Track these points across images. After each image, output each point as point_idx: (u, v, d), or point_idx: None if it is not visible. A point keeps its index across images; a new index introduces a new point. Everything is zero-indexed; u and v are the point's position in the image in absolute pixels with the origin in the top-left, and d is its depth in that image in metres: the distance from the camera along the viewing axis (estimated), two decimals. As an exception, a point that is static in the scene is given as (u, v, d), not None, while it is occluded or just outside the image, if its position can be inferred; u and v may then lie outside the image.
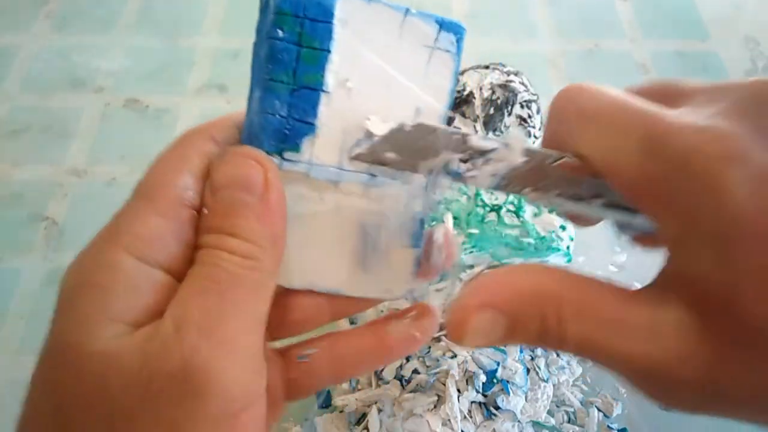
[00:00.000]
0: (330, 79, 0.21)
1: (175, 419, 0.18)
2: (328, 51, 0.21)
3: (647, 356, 0.18)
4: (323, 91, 0.21)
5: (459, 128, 0.23)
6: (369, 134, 0.21)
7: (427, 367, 0.37)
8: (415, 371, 0.37)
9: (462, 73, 0.50)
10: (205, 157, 0.21)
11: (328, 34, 0.21)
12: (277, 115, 0.21)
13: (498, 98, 0.48)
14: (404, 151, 0.21)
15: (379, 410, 0.37)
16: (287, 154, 0.21)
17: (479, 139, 0.21)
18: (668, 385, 0.18)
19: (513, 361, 0.37)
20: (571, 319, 0.19)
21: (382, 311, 0.39)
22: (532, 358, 0.39)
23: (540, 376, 0.38)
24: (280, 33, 0.20)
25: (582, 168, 0.21)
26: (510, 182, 0.22)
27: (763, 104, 0.18)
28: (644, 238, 0.22)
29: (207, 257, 0.20)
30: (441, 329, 0.39)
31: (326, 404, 0.38)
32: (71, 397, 0.18)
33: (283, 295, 0.24)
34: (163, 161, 0.21)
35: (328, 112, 0.21)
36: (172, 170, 0.21)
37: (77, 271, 0.20)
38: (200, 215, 0.21)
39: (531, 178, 0.22)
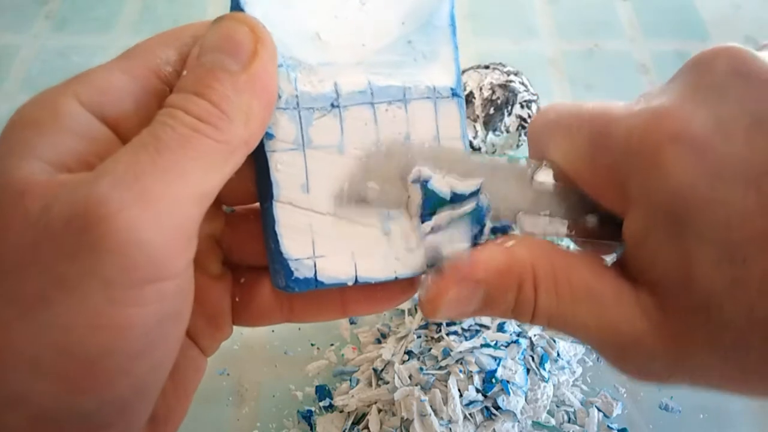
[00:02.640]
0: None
1: (63, 275, 0.15)
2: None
3: (615, 328, 0.18)
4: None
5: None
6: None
7: (427, 366, 0.37)
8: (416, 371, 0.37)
9: (462, 73, 0.50)
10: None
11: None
12: None
13: (498, 98, 0.48)
14: (384, 177, 0.21)
15: (379, 410, 0.37)
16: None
17: (467, 155, 0.21)
18: (635, 358, 0.19)
19: (513, 361, 0.37)
20: (544, 289, 0.19)
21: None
22: (533, 358, 0.39)
23: (540, 376, 0.38)
24: None
25: (561, 176, 0.21)
26: (500, 207, 0.22)
27: (700, 68, 0.18)
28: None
29: (160, 116, 0.17)
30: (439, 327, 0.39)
31: (323, 398, 0.38)
32: None
33: (252, 285, 0.23)
34: (156, 35, 0.20)
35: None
36: (160, 42, 0.20)
37: (21, 109, 0.18)
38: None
39: (520, 201, 0.22)
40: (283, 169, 0.20)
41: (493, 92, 0.48)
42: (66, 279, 0.15)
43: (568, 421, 0.38)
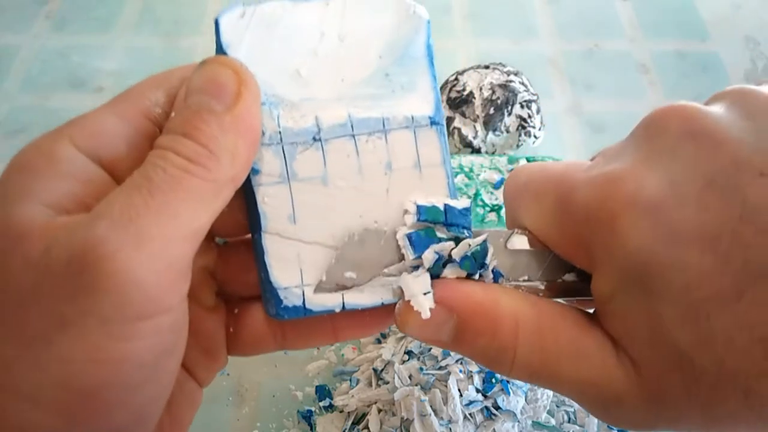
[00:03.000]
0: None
1: (64, 315, 0.16)
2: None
3: (597, 385, 0.19)
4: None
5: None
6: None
7: (427, 366, 0.37)
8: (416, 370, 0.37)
9: (462, 73, 0.50)
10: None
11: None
12: None
13: (498, 98, 0.48)
14: (361, 266, 0.22)
15: (379, 410, 0.37)
16: None
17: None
18: (617, 412, 0.19)
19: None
20: (525, 341, 0.19)
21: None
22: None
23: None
24: None
25: (534, 240, 0.22)
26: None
27: (653, 130, 0.19)
28: None
29: (152, 157, 0.18)
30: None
31: (323, 398, 0.38)
32: None
33: (245, 315, 0.24)
34: (147, 78, 0.21)
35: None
36: (150, 85, 0.20)
37: (17, 156, 0.19)
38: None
39: (500, 270, 0.22)
40: (270, 201, 0.21)
41: (493, 92, 0.48)
42: (65, 318, 0.16)
43: (568, 421, 0.38)
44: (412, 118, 0.22)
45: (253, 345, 0.24)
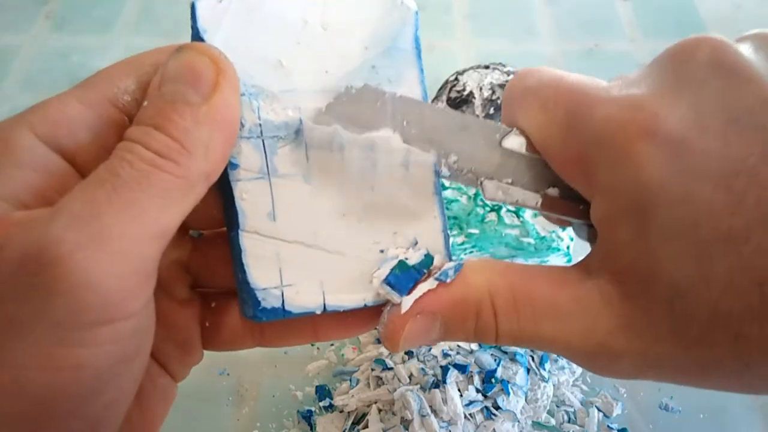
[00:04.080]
0: None
1: (15, 318, 0.15)
2: None
3: (580, 337, 0.18)
4: None
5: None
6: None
7: (427, 366, 0.37)
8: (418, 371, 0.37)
9: (462, 73, 0.50)
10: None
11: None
12: None
13: (498, 98, 0.48)
14: (348, 123, 0.21)
15: (379, 410, 0.37)
16: None
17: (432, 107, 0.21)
18: (606, 359, 0.19)
19: (513, 361, 0.37)
20: (503, 312, 0.19)
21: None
22: (533, 358, 0.39)
23: (540, 376, 0.38)
24: None
25: (528, 145, 0.21)
26: (464, 168, 0.21)
27: (681, 57, 0.18)
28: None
29: (119, 150, 0.17)
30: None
31: (323, 398, 0.38)
32: None
33: (222, 310, 0.23)
34: (116, 63, 0.20)
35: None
36: (119, 71, 0.19)
37: None
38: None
39: (485, 164, 0.21)
40: (248, 198, 0.20)
41: (493, 92, 0.48)
42: (17, 320, 0.15)
43: (568, 421, 0.38)
44: None
45: (229, 341, 0.23)
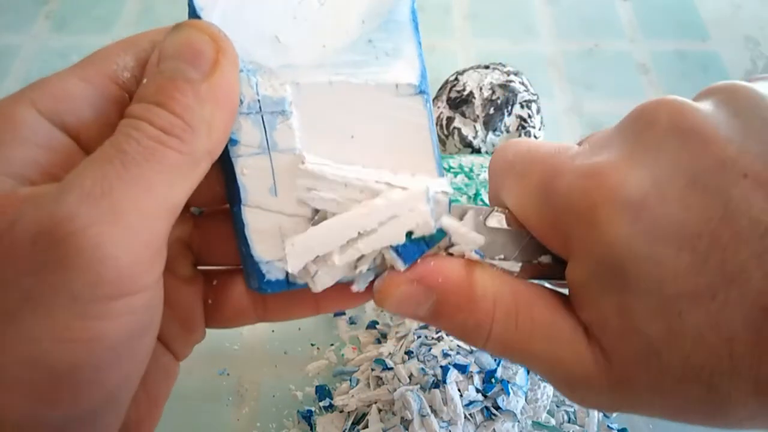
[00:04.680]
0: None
1: (30, 292, 0.15)
2: None
3: (567, 365, 0.19)
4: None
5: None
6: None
7: (427, 366, 0.37)
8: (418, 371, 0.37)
9: (462, 73, 0.50)
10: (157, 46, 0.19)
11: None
12: None
13: (498, 98, 0.48)
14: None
15: (379, 410, 0.37)
16: None
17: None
18: (582, 392, 0.19)
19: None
20: (501, 318, 0.20)
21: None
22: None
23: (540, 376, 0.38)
24: None
25: (513, 220, 0.22)
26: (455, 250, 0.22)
27: (641, 123, 0.19)
28: None
29: (124, 127, 0.17)
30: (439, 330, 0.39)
31: (323, 398, 0.38)
32: None
33: (225, 287, 0.23)
34: (114, 42, 0.20)
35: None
36: (117, 49, 0.19)
37: None
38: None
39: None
40: (249, 173, 0.20)
41: (493, 92, 0.48)
42: (33, 294, 0.15)
43: (568, 421, 0.38)
44: (397, 86, 0.21)
45: (233, 317, 0.24)
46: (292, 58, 0.21)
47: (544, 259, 0.22)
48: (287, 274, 0.21)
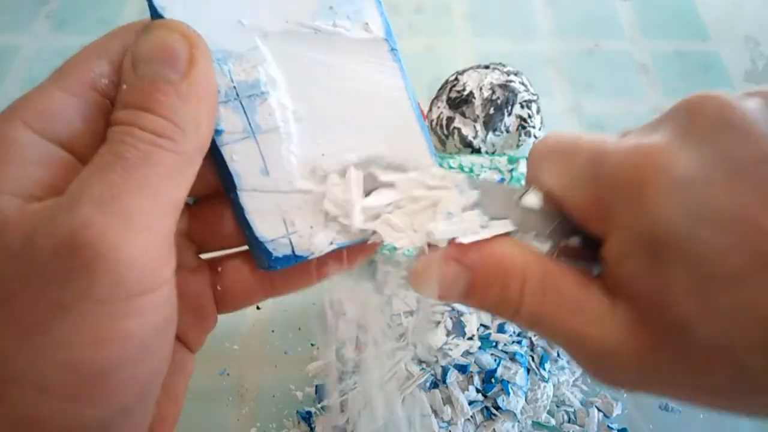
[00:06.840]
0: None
1: (59, 300, 0.16)
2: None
3: (594, 338, 0.19)
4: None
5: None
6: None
7: (427, 366, 0.37)
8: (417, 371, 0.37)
9: (462, 73, 0.50)
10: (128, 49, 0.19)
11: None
12: None
13: (498, 98, 0.48)
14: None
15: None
16: None
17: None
18: (608, 367, 0.20)
19: (513, 361, 0.37)
20: (531, 292, 0.20)
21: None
22: (533, 358, 0.39)
23: (540, 376, 0.38)
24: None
25: (547, 200, 0.22)
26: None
27: (690, 113, 0.19)
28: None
29: (116, 134, 0.18)
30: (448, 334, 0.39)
31: (322, 398, 0.38)
32: None
33: (230, 271, 0.24)
34: (84, 49, 0.20)
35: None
36: (90, 56, 0.20)
37: None
38: (116, 99, 0.19)
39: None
40: (239, 159, 0.21)
41: (493, 92, 0.48)
42: (62, 302, 0.16)
43: (568, 421, 0.38)
44: (365, 41, 0.22)
45: (242, 298, 0.24)
46: (258, 39, 0.21)
47: (573, 241, 0.22)
48: (293, 248, 0.22)
